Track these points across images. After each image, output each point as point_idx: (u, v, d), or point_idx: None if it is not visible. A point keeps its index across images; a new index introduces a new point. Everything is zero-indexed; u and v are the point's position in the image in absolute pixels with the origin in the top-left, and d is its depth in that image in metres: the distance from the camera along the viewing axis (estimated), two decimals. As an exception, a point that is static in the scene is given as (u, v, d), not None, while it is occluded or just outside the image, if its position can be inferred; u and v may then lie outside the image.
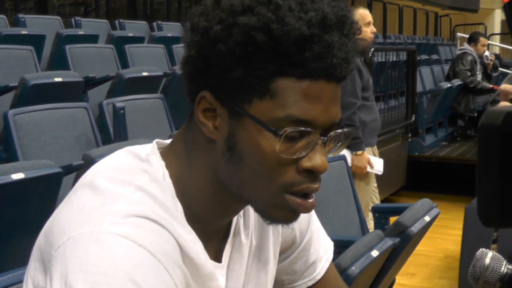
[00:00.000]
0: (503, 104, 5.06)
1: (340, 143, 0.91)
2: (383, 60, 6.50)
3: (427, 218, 2.43)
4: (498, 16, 17.46)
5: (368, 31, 3.91)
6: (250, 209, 1.01)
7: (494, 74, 8.61)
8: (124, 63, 5.26)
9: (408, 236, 2.31)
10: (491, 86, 7.62)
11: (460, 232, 3.73)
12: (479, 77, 7.75)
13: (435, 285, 4.26)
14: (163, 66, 5.55)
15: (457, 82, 7.48)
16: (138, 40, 6.20)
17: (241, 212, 1.01)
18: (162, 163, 0.92)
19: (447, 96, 7.42)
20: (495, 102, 6.11)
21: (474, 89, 7.58)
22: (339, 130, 0.89)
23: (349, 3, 11.00)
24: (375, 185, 4.20)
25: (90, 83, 4.35)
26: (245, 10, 0.83)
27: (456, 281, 3.77)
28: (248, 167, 0.87)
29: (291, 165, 0.86)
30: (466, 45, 7.87)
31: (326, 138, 0.87)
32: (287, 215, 0.91)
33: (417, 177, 6.66)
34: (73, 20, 6.64)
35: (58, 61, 5.00)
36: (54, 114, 3.21)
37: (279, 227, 1.04)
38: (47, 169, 2.26)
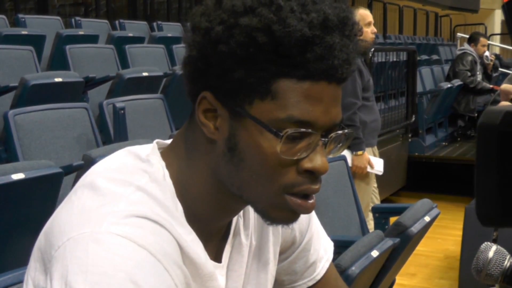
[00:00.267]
0: (503, 104, 5.05)
1: (340, 144, 0.91)
2: (383, 60, 6.50)
3: (427, 218, 2.43)
4: (498, 16, 17.44)
5: (369, 32, 3.91)
6: (250, 210, 1.01)
7: (494, 74, 8.60)
8: (124, 63, 5.26)
9: (408, 236, 2.31)
10: (491, 86, 7.61)
11: (460, 232, 3.73)
12: (479, 77, 7.75)
13: (435, 285, 4.26)
14: (163, 66, 5.55)
15: (457, 82, 7.47)
16: (138, 40, 6.20)
17: (241, 213, 1.01)
18: (163, 164, 0.92)
19: (447, 96, 7.41)
20: (496, 102, 6.09)
21: (474, 89, 7.58)
22: (340, 131, 0.90)
23: (349, 3, 11.00)
24: (375, 185, 4.20)
25: (90, 83, 4.35)
26: (246, 11, 0.83)
27: (456, 281, 3.76)
28: (249, 168, 0.87)
29: (292, 166, 0.87)
30: (466, 45, 7.86)
31: (327, 139, 0.87)
32: (287, 216, 0.91)
33: (417, 177, 6.66)
34: (73, 20, 6.64)
35: (58, 61, 5.01)
36: (54, 114, 3.20)
37: (279, 227, 1.04)
38: (47, 169, 2.26)
